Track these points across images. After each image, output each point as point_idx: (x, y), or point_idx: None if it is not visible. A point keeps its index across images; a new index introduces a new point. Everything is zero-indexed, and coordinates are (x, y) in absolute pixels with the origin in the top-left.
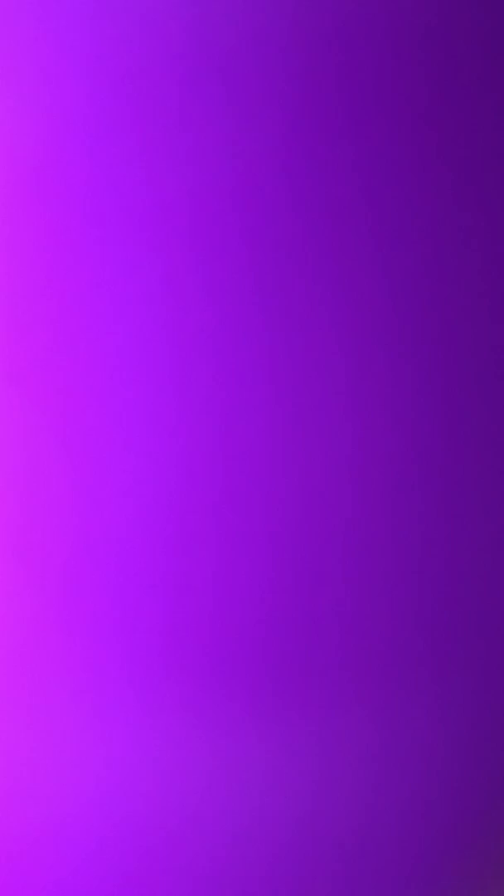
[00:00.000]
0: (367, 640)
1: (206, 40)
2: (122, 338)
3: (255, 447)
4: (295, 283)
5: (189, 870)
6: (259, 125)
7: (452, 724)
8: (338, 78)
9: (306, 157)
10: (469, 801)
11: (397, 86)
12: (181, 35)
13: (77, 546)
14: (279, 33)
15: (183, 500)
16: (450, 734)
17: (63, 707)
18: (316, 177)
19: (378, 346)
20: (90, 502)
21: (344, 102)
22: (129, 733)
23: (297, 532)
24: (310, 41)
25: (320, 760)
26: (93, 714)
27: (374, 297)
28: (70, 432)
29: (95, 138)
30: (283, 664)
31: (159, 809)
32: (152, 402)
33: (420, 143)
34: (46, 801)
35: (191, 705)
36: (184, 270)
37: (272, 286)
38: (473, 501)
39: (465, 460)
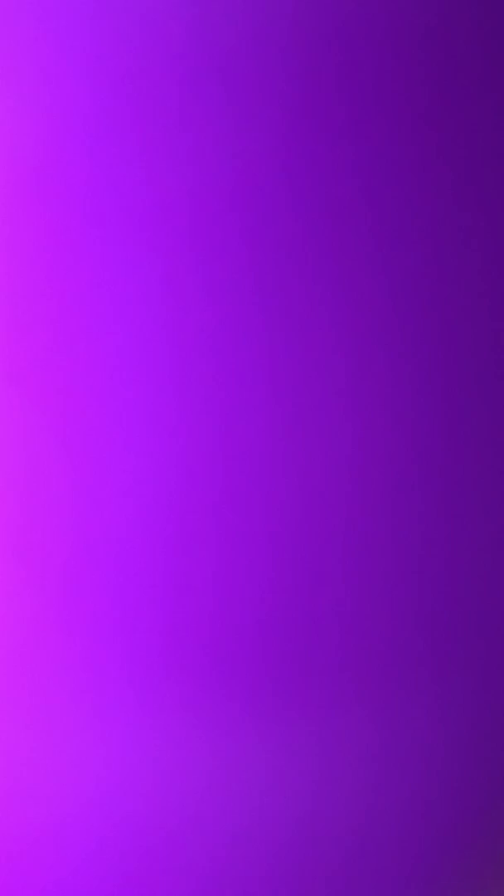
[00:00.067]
0: (367, 640)
1: (206, 40)
2: (122, 338)
3: (255, 447)
4: (295, 283)
5: (189, 870)
6: (259, 125)
7: (452, 724)
8: (338, 78)
9: (306, 157)
10: (469, 801)
11: (397, 86)
12: (181, 35)
13: (77, 546)
14: (279, 33)
15: (183, 500)
16: (450, 734)
17: (63, 707)
18: (316, 177)
19: (378, 346)
20: (90, 502)
21: (344, 102)
22: (129, 733)
23: (297, 532)
24: (310, 41)
25: (320, 760)
26: (93, 714)
27: (374, 297)
28: (70, 432)
29: (95, 138)
30: (283, 664)
31: (159, 809)
32: (152, 402)
33: (420, 143)
34: (46, 801)
35: (191, 705)
36: (184, 270)
37: (272, 286)
38: (473, 501)
39: (465, 460)
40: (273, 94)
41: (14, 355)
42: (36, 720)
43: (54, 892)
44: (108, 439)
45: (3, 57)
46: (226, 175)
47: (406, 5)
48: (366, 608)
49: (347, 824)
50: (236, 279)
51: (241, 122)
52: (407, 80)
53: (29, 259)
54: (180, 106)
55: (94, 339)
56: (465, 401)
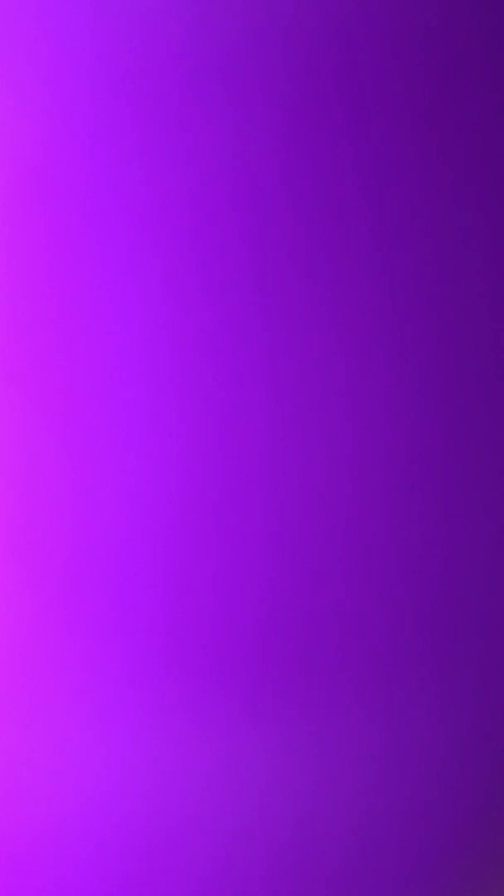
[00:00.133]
0: (367, 640)
1: (206, 40)
2: (122, 338)
3: (255, 447)
4: (295, 283)
5: (189, 870)
6: (259, 125)
7: (452, 724)
8: (338, 78)
9: (306, 157)
10: (469, 801)
11: (397, 86)
12: (181, 35)
13: (77, 546)
14: (279, 33)
15: (183, 500)
16: (450, 734)
17: (63, 707)
18: (316, 177)
19: (378, 346)
20: (90, 502)
21: (344, 102)
22: (129, 733)
23: (297, 532)
24: (310, 41)
25: (320, 760)
26: (93, 714)
27: (374, 297)
28: (70, 432)
29: (95, 138)
30: (283, 664)
31: (159, 809)
32: (152, 402)
33: (420, 143)
34: (46, 801)
35: (191, 705)
36: (184, 270)
37: (272, 286)
38: (473, 501)
39: (465, 460)
40: (273, 94)
41: (14, 355)
42: (36, 720)
43: (54, 892)
44: (108, 439)
45: (3, 57)
46: (226, 175)
47: (406, 5)
48: (366, 608)
49: (347, 824)
50: (236, 279)
51: (241, 122)
52: (407, 80)
53: (29, 259)
54: (180, 106)
55: (94, 339)
56: (465, 401)
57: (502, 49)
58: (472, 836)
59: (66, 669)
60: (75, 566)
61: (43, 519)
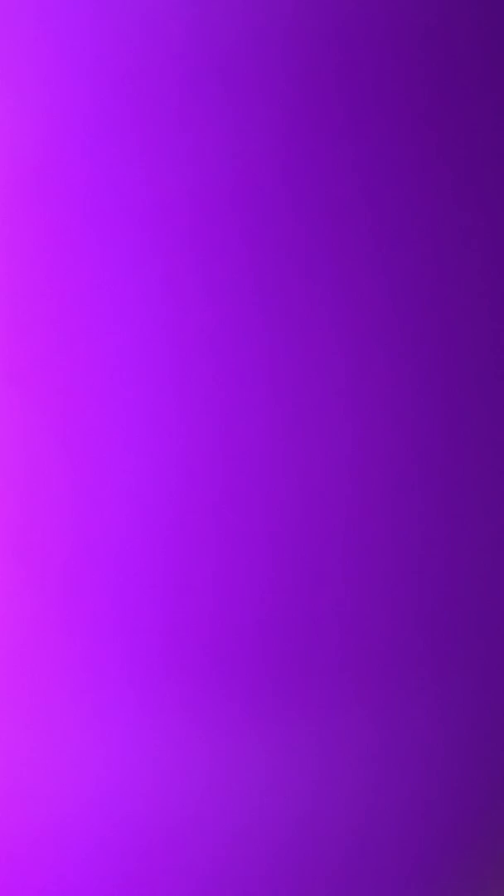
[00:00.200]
0: (367, 640)
1: (206, 40)
2: (122, 338)
3: (255, 447)
4: (295, 283)
5: (189, 870)
6: (259, 125)
7: (452, 724)
8: (338, 78)
9: (306, 157)
10: (469, 801)
11: (397, 86)
12: (181, 35)
13: (77, 546)
14: (279, 33)
15: (183, 500)
16: (450, 734)
17: (63, 707)
18: (316, 177)
19: (378, 346)
20: (90, 502)
21: (344, 102)
22: (129, 733)
23: (297, 532)
24: (310, 41)
25: (320, 760)
26: (93, 714)
27: (374, 297)
28: (70, 432)
29: (95, 138)
30: (283, 664)
31: (159, 809)
32: (152, 402)
33: (420, 143)
34: (46, 801)
35: (191, 705)
36: (184, 270)
37: (272, 286)
38: (473, 501)
39: (465, 460)
40: (273, 94)
41: (14, 355)
42: (36, 720)
43: (54, 892)
44: (108, 439)
45: (3, 57)
46: (226, 175)
47: (406, 5)
48: (366, 608)
49: (347, 824)
50: (236, 279)
51: (241, 122)
52: (407, 80)
53: (29, 259)
54: (180, 106)
55: (94, 339)
56: (465, 401)
57: (502, 49)
58: (472, 836)
59: (66, 669)
60: (75, 566)
61: (43, 519)
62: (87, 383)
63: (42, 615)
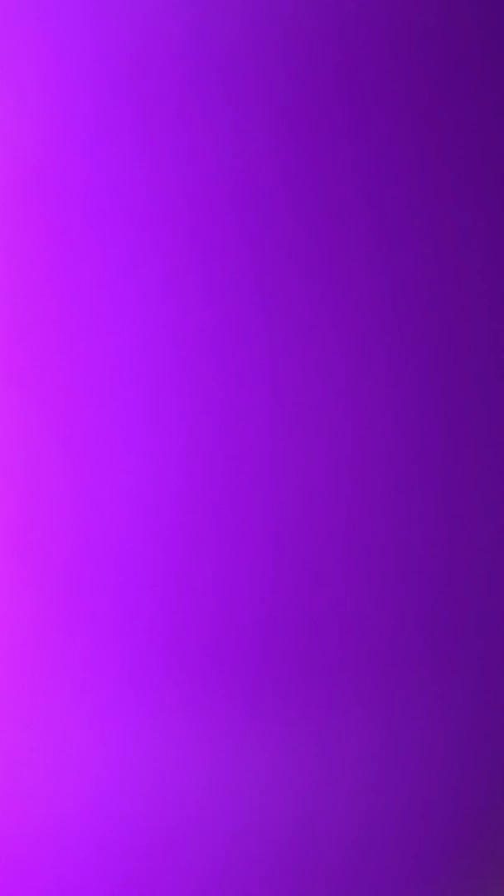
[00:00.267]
0: (367, 640)
1: (206, 40)
2: (122, 338)
3: (255, 447)
4: (295, 283)
5: (189, 870)
6: (259, 125)
7: (452, 724)
8: (338, 78)
9: (306, 157)
10: (469, 801)
11: (397, 86)
12: (181, 35)
13: (77, 546)
14: (279, 33)
15: (183, 500)
16: (450, 734)
17: (63, 707)
18: (316, 177)
19: (378, 346)
20: (90, 502)
21: (343, 102)
22: (129, 733)
23: (297, 532)
24: (310, 41)
25: (320, 760)
26: (93, 714)
27: (374, 297)
28: (70, 432)
29: (95, 138)
30: (283, 664)
31: (159, 809)
32: (152, 402)
33: (420, 143)
34: (46, 801)
35: (191, 705)
36: (184, 270)
37: (272, 286)
38: (473, 501)
39: (465, 460)
40: (273, 94)
41: (14, 355)
42: (36, 720)
43: (54, 892)
44: (108, 439)
45: (3, 57)
46: (226, 175)
47: (406, 5)
48: (366, 608)
49: (347, 824)
50: (236, 279)
51: (241, 122)
52: (407, 80)
53: (29, 259)
54: (180, 106)
55: (94, 339)
56: (465, 401)
57: (502, 49)
58: (472, 836)
59: (66, 669)
60: (75, 566)
61: (43, 519)
62: (87, 383)
63: (42, 615)
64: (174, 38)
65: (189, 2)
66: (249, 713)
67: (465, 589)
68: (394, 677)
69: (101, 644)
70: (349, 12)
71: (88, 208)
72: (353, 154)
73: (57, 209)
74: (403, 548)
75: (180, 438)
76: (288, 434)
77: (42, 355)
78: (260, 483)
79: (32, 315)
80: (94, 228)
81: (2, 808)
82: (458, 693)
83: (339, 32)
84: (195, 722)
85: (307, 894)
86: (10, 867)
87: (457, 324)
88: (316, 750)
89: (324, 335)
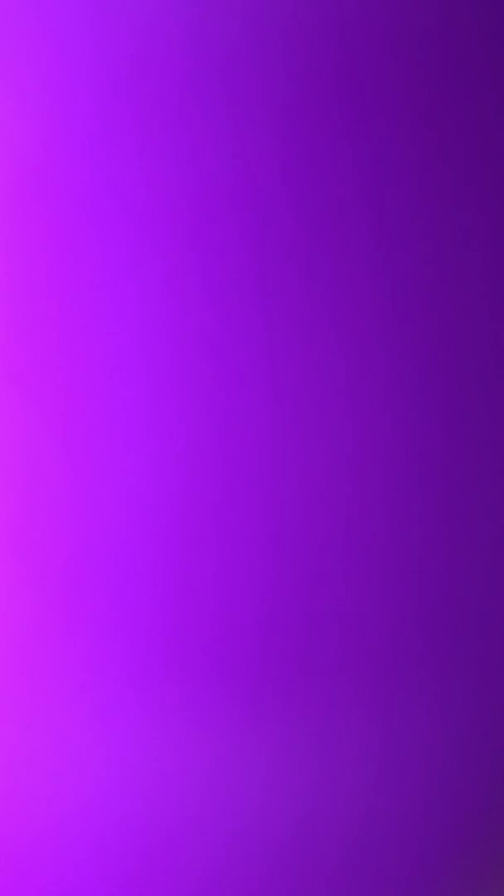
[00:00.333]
0: (367, 640)
1: (206, 40)
2: (122, 338)
3: (255, 447)
4: (295, 283)
5: (189, 870)
6: (259, 125)
7: (452, 724)
8: (338, 78)
9: (306, 157)
10: (469, 801)
11: (397, 86)
12: (181, 35)
13: (77, 546)
14: (279, 33)
15: (183, 500)
16: (450, 734)
17: (63, 707)
18: (316, 177)
19: (378, 346)
20: (90, 502)
21: (343, 103)
22: (129, 733)
23: (297, 532)
24: (310, 41)
25: (320, 760)
26: (93, 714)
27: (374, 297)
28: (70, 432)
29: (95, 138)
30: (283, 664)
31: (159, 809)
32: (152, 402)
33: (420, 143)
34: (46, 801)
35: (191, 705)
36: (184, 271)
37: (272, 286)
38: (473, 501)
39: (465, 460)
40: (273, 94)
41: (14, 355)
42: (36, 720)
43: (54, 892)
44: (108, 439)
45: (3, 57)
46: (226, 175)
47: (406, 5)
48: (366, 608)
49: (347, 824)
50: (236, 279)
51: (241, 122)
52: (407, 80)
53: (29, 259)
54: (180, 106)
55: (94, 339)
56: (465, 401)
57: (502, 49)
58: (472, 836)
59: (66, 669)
60: (75, 566)
61: (43, 519)
62: (87, 383)
63: (42, 615)
64: (174, 38)
65: (189, 2)
66: (249, 713)
67: (465, 589)
68: (394, 677)
69: (101, 644)
70: (349, 12)
71: (88, 208)
72: (353, 154)
73: (57, 209)
74: (403, 548)
75: (180, 438)
76: (288, 434)
77: (42, 355)
78: (260, 483)
79: (32, 315)
80: (94, 228)
81: (2, 808)
82: (458, 693)
83: (339, 32)
84: (195, 722)
85: (307, 894)
86: (10, 867)
87: (457, 324)
88: (316, 750)
89: (324, 335)
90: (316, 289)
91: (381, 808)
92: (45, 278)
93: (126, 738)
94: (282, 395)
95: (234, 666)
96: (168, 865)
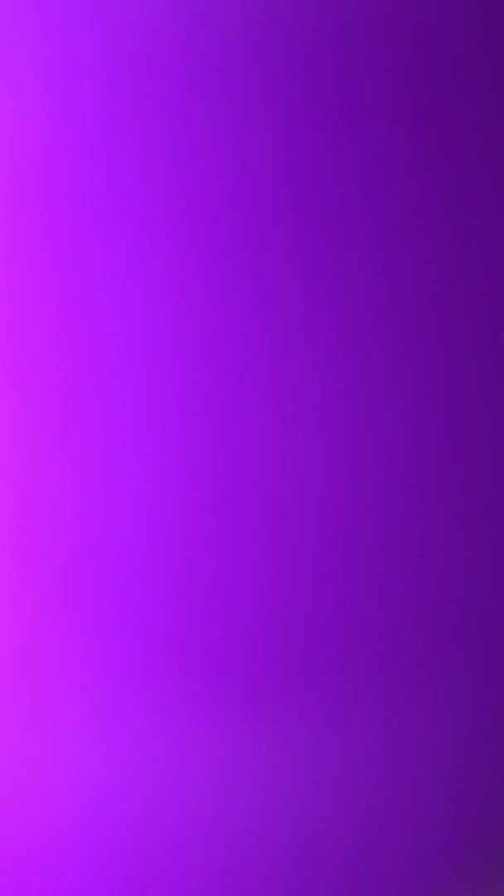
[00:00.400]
0: (367, 640)
1: (206, 40)
2: (122, 338)
3: (255, 447)
4: (295, 283)
5: (189, 870)
6: (259, 125)
7: (452, 724)
8: (338, 78)
9: (306, 157)
10: (469, 801)
11: (397, 86)
12: (181, 35)
13: (77, 546)
14: (279, 33)
15: (183, 500)
16: (450, 734)
17: (63, 707)
18: (316, 177)
19: (378, 346)
20: (90, 502)
21: (343, 103)
22: (129, 733)
23: (297, 532)
24: (310, 41)
25: (320, 760)
26: (93, 714)
27: (374, 297)
28: (70, 432)
29: (95, 138)
30: (283, 664)
31: (159, 809)
32: (152, 402)
33: (420, 143)
34: (46, 801)
35: (191, 705)
36: (184, 270)
37: (272, 286)
38: (473, 501)
39: (465, 460)
40: (273, 94)
41: (14, 355)
42: (36, 720)
43: (54, 892)
44: (108, 439)
45: (3, 57)
46: (226, 175)
47: (406, 5)
48: (366, 608)
49: (347, 824)
50: (236, 279)
51: (241, 122)
52: (407, 80)
53: (29, 259)
54: (180, 106)
55: (94, 339)
56: (465, 401)
57: (502, 49)
58: (472, 836)
59: (66, 669)
60: (75, 566)
61: (43, 519)
62: (87, 383)
63: (42, 615)
64: (174, 38)
65: (189, 2)
66: (249, 713)
67: (465, 589)
68: (394, 677)
69: (101, 644)
70: (349, 12)
71: (88, 208)
72: (353, 154)
73: (57, 209)
74: (403, 548)
75: (180, 438)
76: (288, 434)
77: (42, 355)
78: (260, 483)
79: (32, 315)
80: (94, 228)
81: (2, 808)
82: (458, 693)
83: (339, 32)
84: (195, 722)
85: (307, 894)
86: (10, 867)
87: (457, 324)
88: (316, 750)
89: (324, 335)
90: (316, 289)
91: (381, 808)
92: (45, 278)
93: (126, 738)
94: (282, 395)
95: (233, 666)
96: (168, 865)
